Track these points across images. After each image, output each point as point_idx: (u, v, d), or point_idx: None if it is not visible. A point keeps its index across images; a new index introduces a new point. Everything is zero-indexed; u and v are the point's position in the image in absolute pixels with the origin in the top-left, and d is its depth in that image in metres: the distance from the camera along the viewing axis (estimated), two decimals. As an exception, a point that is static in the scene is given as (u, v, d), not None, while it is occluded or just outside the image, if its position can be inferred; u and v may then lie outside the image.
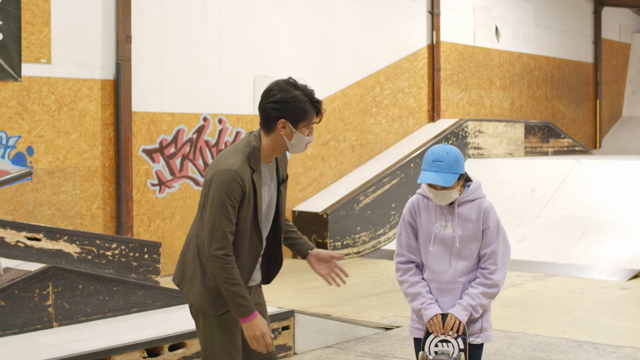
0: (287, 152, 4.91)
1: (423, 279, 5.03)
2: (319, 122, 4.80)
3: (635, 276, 12.62)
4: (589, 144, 24.97)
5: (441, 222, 5.00)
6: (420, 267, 5.06)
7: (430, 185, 4.92)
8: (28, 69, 11.44)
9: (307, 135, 4.73)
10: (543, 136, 20.13)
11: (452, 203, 5.00)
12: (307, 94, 4.72)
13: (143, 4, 12.76)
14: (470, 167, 17.37)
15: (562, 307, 10.62)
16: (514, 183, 16.24)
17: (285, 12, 15.12)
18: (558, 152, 20.53)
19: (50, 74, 11.68)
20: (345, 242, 14.97)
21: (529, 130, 19.73)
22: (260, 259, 4.90)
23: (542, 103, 22.76)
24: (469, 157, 17.91)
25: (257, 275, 4.95)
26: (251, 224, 4.71)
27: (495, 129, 18.68)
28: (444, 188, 4.88)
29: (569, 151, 20.93)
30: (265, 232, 4.85)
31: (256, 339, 4.67)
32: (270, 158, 4.78)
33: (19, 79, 11.33)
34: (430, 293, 4.97)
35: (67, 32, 11.87)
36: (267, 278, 5.05)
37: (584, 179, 15.60)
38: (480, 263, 4.96)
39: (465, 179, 5.09)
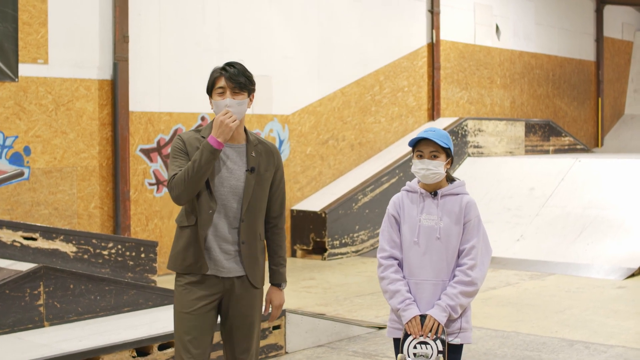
0: (274, 153, 5.14)
1: (403, 277, 5.05)
2: (237, 88, 4.96)
3: (632, 275, 12.63)
4: (591, 143, 24.96)
5: (425, 214, 5.04)
6: (401, 265, 5.08)
7: (418, 157, 5.01)
8: (25, 69, 11.49)
9: (222, 100, 4.96)
10: (544, 134, 20.14)
11: (435, 195, 5.04)
12: (223, 64, 5.06)
13: (141, 4, 12.80)
14: (470, 165, 17.43)
15: (557, 306, 10.64)
16: (513, 182, 16.26)
17: (284, 12, 15.15)
18: (559, 151, 20.53)
19: (48, 74, 11.73)
20: (343, 241, 15.00)
21: (530, 128, 19.73)
22: (230, 247, 5.01)
23: (543, 101, 22.76)
24: (469, 155, 17.93)
25: (229, 265, 5.01)
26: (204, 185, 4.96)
27: (495, 128, 18.70)
28: (432, 157, 4.97)
29: (570, 149, 20.92)
30: (221, 200, 4.99)
31: (221, 124, 4.85)
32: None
33: (16, 79, 11.38)
34: (410, 292, 4.99)
35: (65, 33, 11.92)
36: (252, 277, 5.06)
37: (584, 177, 15.61)
38: (459, 259, 4.99)
39: (450, 179, 5.14)
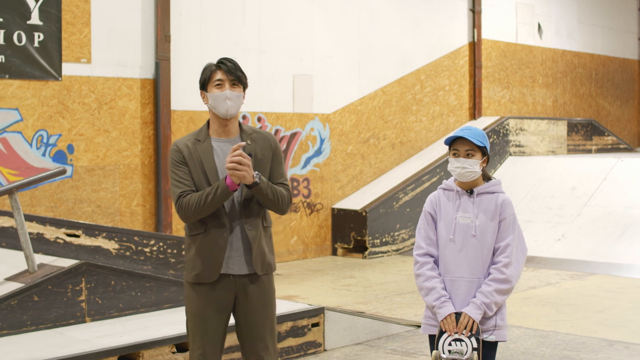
0: (270, 139, 5.23)
1: (439, 274, 5.08)
2: (234, 79, 5.06)
3: (674, 275, 12.54)
4: (634, 142, 24.74)
5: (461, 212, 5.07)
6: (437, 262, 5.12)
7: (454, 155, 5.04)
8: (68, 69, 11.64)
9: (221, 91, 5.04)
10: (586, 134, 20.00)
11: (471, 193, 5.07)
12: (217, 60, 5.14)
13: (182, 3, 12.91)
14: (511, 165, 17.36)
15: (597, 305, 10.58)
16: (554, 181, 16.17)
17: (325, 11, 15.19)
18: (602, 150, 20.38)
19: (91, 74, 11.87)
20: (384, 240, 15.02)
21: (572, 127, 19.61)
22: (238, 242, 5.08)
23: (586, 100, 22.61)
24: (510, 154, 17.86)
25: (239, 261, 5.08)
26: (207, 186, 5.01)
27: (537, 127, 18.61)
28: (467, 156, 5.00)
29: (613, 149, 20.76)
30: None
31: (235, 170, 4.85)
32: (220, 130, 5.10)
33: (60, 79, 11.53)
34: (445, 289, 5.03)
35: (107, 32, 12.05)
36: (260, 262, 5.13)
37: (626, 177, 15.48)
38: (494, 257, 5.01)
39: (487, 177, 5.17)
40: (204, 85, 5.11)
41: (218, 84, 5.05)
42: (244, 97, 5.15)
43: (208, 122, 5.19)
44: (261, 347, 5.14)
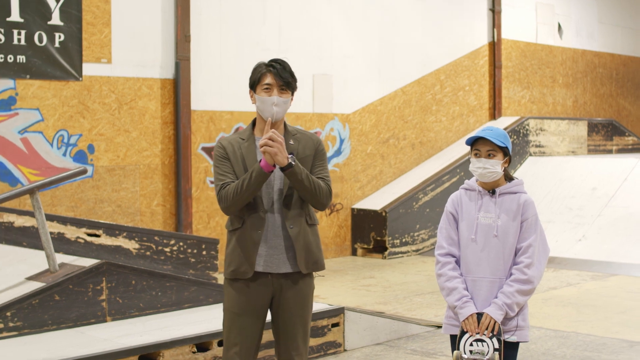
0: (313, 138, 5.24)
1: (461, 274, 5.07)
2: (283, 85, 5.07)
3: (696, 276, 12.47)
4: (656, 142, 24.63)
5: (483, 212, 5.06)
6: (458, 262, 5.11)
7: (476, 156, 5.04)
8: (89, 69, 11.67)
9: (269, 96, 5.03)
10: (607, 134, 19.92)
11: (493, 193, 5.06)
12: (268, 61, 5.13)
13: (202, 4, 12.93)
14: (532, 165, 17.30)
15: (618, 306, 10.53)
16: (575, 181, 16.11)
17: (344, 11, 15.19)
18: (622, 150, 20.29)
19: (111, 74, 11.90)
20: (404, 240, 15.00)
21: (592, 128, 19.53)
22: (279, 240, 5.08)
23: (606, 100, 22.52)
24: (530, 155, 17.81)
25: (279, 260, 5.09)
26: None
27: (557, 127, 18.55)
28: (488, 156, 4.99)
29: (634, 149, 20.66)
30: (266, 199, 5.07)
31: (267, 146, 4.85)
32: (265, 130, 5.01)
33: (80, 79, 11.56)
34: (467, 289, 5.02)
35: (127, 33, 12.08)
36: (303, 261, 5.12)
37: (647, 177, 15.43)
38: (516, 258, 5.00)
39: (509, 177, 5.16)
40: (253, 85, 5.12)
41: (266, 88, 5.05)
42: (292, 100, 5.17)
43: (254, 121, 5.21)
44: (293, 346, 5.15)
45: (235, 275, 5.09)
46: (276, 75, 5.04)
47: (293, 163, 4.91)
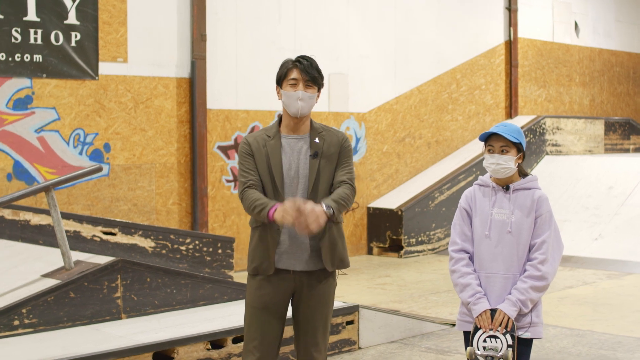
0: (338, 135, 5.23)
1: (474, 270, 5.07)
2: (309, 80, 5.09)
3: None
4: (673, 141, 24.51)
5: (497, 208, 5.05)
6: (472, 259, 5.10)
7: (489, 152, 5.03)
8: (105, 68, 11.71)
9: (295, 91, 5.05)
10: (624, 133, 19.85)
11: (507, 189, 5.05)
12: (295, 57, 5.17)
13: (218, 3, 12.95)
14: (548, 164, 17.26)
15: (634, 305, 10.50)
16: (591, 180, 16.05)
17: (360, 11, 15.18)
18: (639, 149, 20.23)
19: (127, 73, 11.94)
20: (419, 239, 14.99)
21: (609, 127, 19.46)
22: (303, 238, 5.10)
23: (623, 99, 22.43)
24: (547, 154, 17.76)
25: (302, 257, 5.12)
26: (270, 181, 5.09)
27: (574, 126, 18.49)
28: (502, 152, 4.98)
29: (651, 148, 20.60)
30: (287, 193, 5.10)
31: (284, 219, 4.86)
32: (291, 127, 5.13)
33: (96, 78, 11.61)
34: (480, 285, 5.01)
35: (143, 32, 12.11)
36: (328, 258, 5.15)
37: (664, 176, 15.37)
38: (530, 254, 4.99)
39: (523, 173, 5.15)
40: (279, 81, 5.16)
41: (292, 83, 5.07)
42: (318, 97, 5.19)
43: (280, 117, 5.23)
44: (312, 343, 5.19)
45: (256, 272, 5.14)
46: (302, 71, 5.07)
47: (332, 212, 4.96)
